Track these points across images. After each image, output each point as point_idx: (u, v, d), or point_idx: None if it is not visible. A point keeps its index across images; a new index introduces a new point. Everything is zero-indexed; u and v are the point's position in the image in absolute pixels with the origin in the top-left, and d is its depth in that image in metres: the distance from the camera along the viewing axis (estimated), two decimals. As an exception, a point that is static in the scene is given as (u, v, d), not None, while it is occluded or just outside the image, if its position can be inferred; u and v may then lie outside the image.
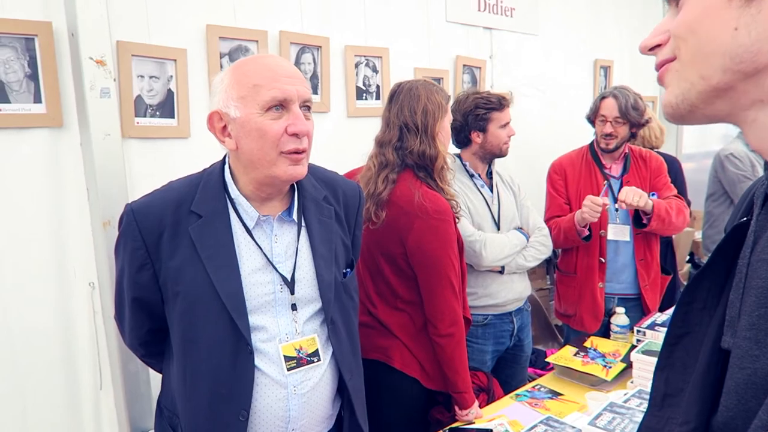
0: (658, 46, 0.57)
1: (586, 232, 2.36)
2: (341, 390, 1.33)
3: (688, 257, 4.17)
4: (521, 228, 2.23)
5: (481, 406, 1.83)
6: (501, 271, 2.13)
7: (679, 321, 0.61)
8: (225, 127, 1.18)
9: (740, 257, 0.55)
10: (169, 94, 1.93)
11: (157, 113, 1.91)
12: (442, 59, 2.89)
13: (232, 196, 1.23)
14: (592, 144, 2.53)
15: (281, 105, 1.14)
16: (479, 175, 2.23)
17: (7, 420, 1.69)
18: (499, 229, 2.17)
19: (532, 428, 1.63)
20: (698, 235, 4.10)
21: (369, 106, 2.62)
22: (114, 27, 1.76)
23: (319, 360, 1.26)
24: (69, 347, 1.78)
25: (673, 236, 2.97)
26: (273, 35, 2.22)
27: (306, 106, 1.19)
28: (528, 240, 2.19)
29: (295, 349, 1.24)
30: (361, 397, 1.38)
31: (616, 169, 2.48)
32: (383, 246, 1.77)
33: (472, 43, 3.02)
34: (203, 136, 1.99)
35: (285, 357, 1.22)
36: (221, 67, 2.09)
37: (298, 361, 1.23)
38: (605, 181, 2.42)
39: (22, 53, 1.63)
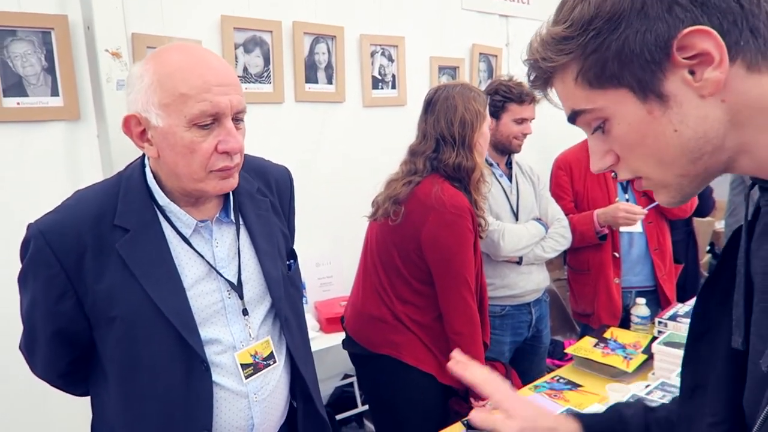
0: (613, 165, 0.61)
1: (606, 231, 2.31)
2: (294, 383, 1.26)
3: (708, 247, 4.10)
4: (540, 219, 2.20)
5: (499, 398, 1.82)
6: (519, 262, 2.10)
7: (699, 319, 0.64)
8: (144, 131, 1.04)
9: (738, 257, 0.57)
10: (185, 85, 1.92)
11: (173, 105, 1.90)
12: (458, 48, 2.85)
13: (161, 203, 1.09)
14: None
15: (212, 120, 1.00)
16: (498, 165, 2.20)
17: (30, 410, 1.71)
18: (517, 219, 2.15)
19: (551, 420, 1.61)
20: (719, 225, 4.03)
21: (385, 95, 2.60)
22: (129, 19, 1.75)
23: (274, 362, 1.19)
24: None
25: (694, 226, 2.92)
26: (287, 25, 2.21)
27: (239, 118, 1.06)
28: (547, 231, 2.16)
29: (251, 355, 1.16)
30: (315, 385, 1.31)
31: None
32: (398, 239, 1.75)
33: (488, 30, 2.98)
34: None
35: (242, 365, 1.14)
36: (236, 58, 2.08)
37: (255, 367, 1.16)
38: (613, 173, 2.36)
39: (39, 47, 1.63)
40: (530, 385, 1.92)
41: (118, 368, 1.09)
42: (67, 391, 1.23)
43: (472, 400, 1.78)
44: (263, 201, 1.24)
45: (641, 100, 0.53)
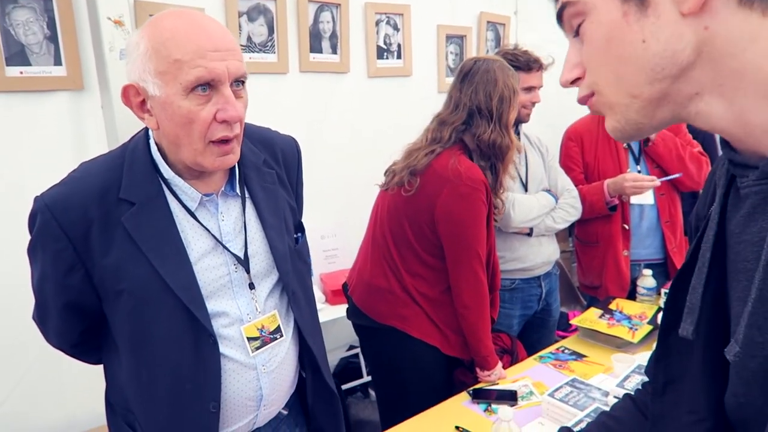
0: (578, 79, 0.57)
1: (616, 202, 2.29)
2: (303, 355, 1.27)
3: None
4: (550, 190, 2.18)
5: (504, 368, 1.83)
6: (529, 234, 2.09)
7: (671, 311, 0.62)
8: (144, 101, 1.02)
9: (704, 241, 0.55)
10: (188, 55, 1.89)
11: (177, 75, 1.88)
12: (465, 16, 2.80)
13: (166, 177, 1.08)
14: None
15: (209, 85, 0.98)
16: None
17: (45, 378, 1.74)
18: (527, 191, 2.13)
19: (557, 389, 1.63)
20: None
21: (390, 65, 2.56)
22: (131, -14, 1.72)
23: (281, 336, 1.20)
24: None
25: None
26: (291, -8, 2.16)
27: (239, 81, 1.03)
28: (557, 202, 2.14)
29: (257, 329, 1.16)
30: (324, 357, 1.32)
31: None
32: (411, 211, 1.74)
33: (495, -2, 2.92)
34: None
35: (248, 338, 1.14)
36: (239, 26, 2.05)
37: (262, 341, 1.16)
38: (624, 143, 2.33)
39: (41, 14, 1.60)
40: (535, 356, 1.94)
41: (128, 340, 1.10)
42: (80, 360, 1.25)
43: (477, 370, 1.79)
44: (269, 173, 1.22)
45: (622, 0, 0.51)
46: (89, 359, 1.25)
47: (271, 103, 2.15)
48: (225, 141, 1.02)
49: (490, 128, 1.67)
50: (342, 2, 2.33)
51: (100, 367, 1.23)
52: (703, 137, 2.66)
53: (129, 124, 1.71)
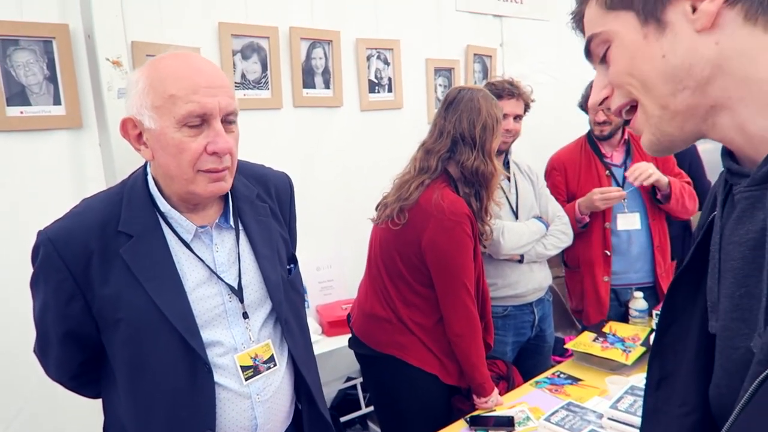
0: (606, 98, 0.64)
1: (586, 220, 2.32)
2: (298, 385, 1.29)
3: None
4: (540, 217, 2.21)
5: (501, 394, 1.84)
6: (520, 260, 2.11)
7: (667, 311, 0.66)
8: (140, 134, 1.08)
9: (711, 245, 0.59)
10: (184, 92, 1.95)
11: (173, 112, 1.93)
12: (452, 49, 2.89)
13: (162, 210, 1.13)
14: (589, 133, 2.46)
15: (201, 120, 1.03)
16: None
17: (43, 411, 1.73)
18: (517, 218, 2.16)
19: (552, 413, 1.64)
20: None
21: (381, 99, 2.63)
22: (129, 27, 1.78)
23: (275, 365, 1.22)
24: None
25: (691, 221, 2.94)
26: (283, 31, 2.24)
27: (230, 119, 1.08)
28: (547, 228, 2.17)
29: (251, 358, 1.18)
30: (319, 388, 1.34)
31: (617, 157, 2.41)
32: (400, 244, 1.77)
33: (482, 31, 3.02)
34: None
35: (242, 367, 1.16)
36: (234, 64, 2.11)
37: (255, 370, 1.18)
38: (607, 171, 2.37)
39: (41, 56, 1.66)
40: (531, 381, 1.95)
41: (125, 370, 1.12)
42: (79, 393, 1.26)
43: (474, 398, 1.80)
44: (263, 207, 1.26)
45: (642, 24, 0.57)
46: (88, 392, 1.26)
47: (267, 138, 2.20)
48: (215, 171, 1.07)
49: (473, 155, 1.71)
50: (333, 38, 2.40)
51: (98, 401, 1.23)
52: (690, 161, 2.72)
53: (126, 160, 1.76)
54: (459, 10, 2.89)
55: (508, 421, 1.66)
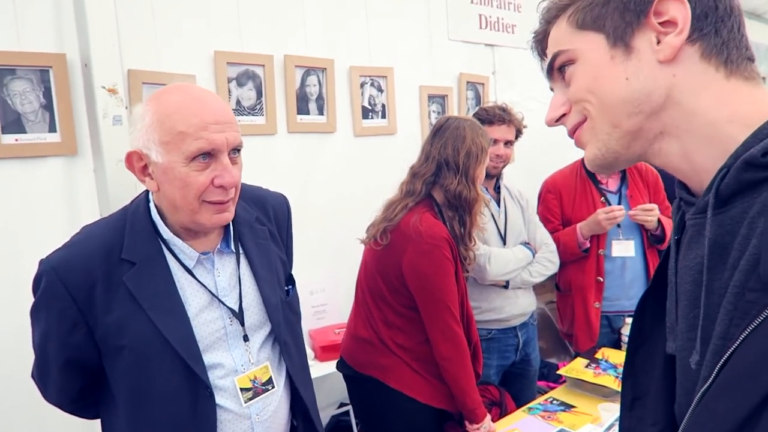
0: (563, 116, 0.66)
1: (588, 245, 2.34)
2: (294, 404, 1.31)
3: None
4: (528, 243, 2.23)
5: (493, 420, 1.83)
6: (505, 286, 2.13)
7: (636, 332, 0.68)
8: (145, 166, 1.10)
9: (669, 268, 0.62)
10: (179, 119, 1.97)
11: (168, 138, 1.95)
12: (445, 77, 2.93)
13: (165, 237, 1.15)
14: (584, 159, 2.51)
15: (208, 154, 1.06)
16: (486, 189, 2.24)
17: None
18: (505, 243, 2.17)
19: (545, 441, 1.63)
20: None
21: (375, 125, 2.66)
22: (125, 56, 1.81)
23: (273, 387, 1.24)
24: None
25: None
26: (278, 59, 2.27)
27: (236, 149, 1.12)
28: (534, 256, 2.19)
29: (250, 380, 1.20)
30: (314, 406, 1.36)
31: (612, 184, 2.43)
32: (381, 265, 1.79)
33: (474, 60, 3.07)
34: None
35: (241, 389, 1.18)
36: (229, 91, 2.14)
37: (254, 392, 1.20)
38: (602, 197, 2.40)
39: (38, 84, 1.68)
40: (524, 408, 1.94)
41: (126, 395, 1.14)
42: (78, 416, 1.28)
43: (466, 423, 1.79)
44: (262, 230, 1.29)
45: (610, 46, 0.60)
46: (87, 415, 1.27)
47: (261, 163, 2.22)
48: (220, 203, 1.10)
49: (456, 180, 1.75)
50: (327, 66, 2.44)
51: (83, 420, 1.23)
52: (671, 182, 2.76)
53: (119, 187, 1.77)
54: (452, 39, 2.95)
55: (501, 449, 1.65)
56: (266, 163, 2.26)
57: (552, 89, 0.70)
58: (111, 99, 1.75)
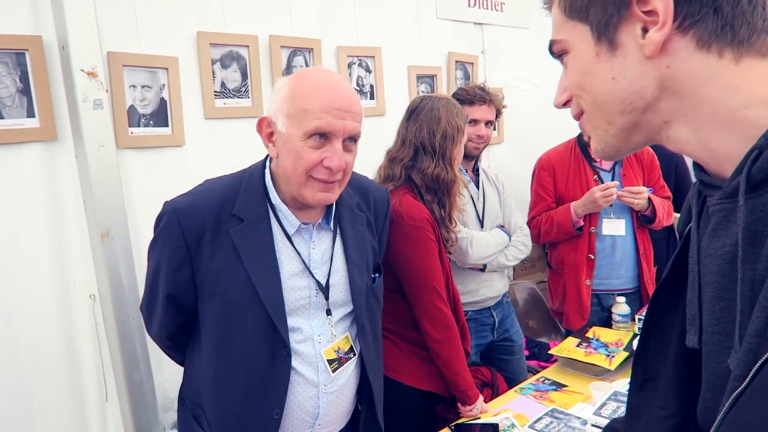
0: (569, 100, 0.64)
1: (581, 223, 2.34)
2: (361, 388, 1.38)
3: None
4: (503, 227, 2.23)
5: (486, 401, 1.83)
6: (482, 269, 2.14)
7: (650, 318, 0.67)
8: (272, 133, 1.22)
9: (689, 257, 0.59)
10: (162, 102, 1.93)
11: (151, 122, 1.91)
12: (434, 56, 2.89)
13: (273, 202, 1.25)
14: (579, 136, 2.47)
15: (324, 135, 1.16)
16: (465, 171, 2.23)
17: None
18: (482, 226, 2.18)
19: (537, 420, 1.63)
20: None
21: (364, 106, 2.58)
22: (104, 38, 1.75)
23: (354, 354, 1.33)
24: (72, 360, 1.78)
25: (674, 223, 2.97)
26: (263, 39, 2.22)
27: (353, 138, 1.21)
28: (510, 239, 2.19)
29: (335, 351, 1.29)
30: (380, 396, 1.43)
31: (606, 163, 2.41)
32: None
33: (463, 39, 3.02)
34: (198, 143, 2.00)
35: (328, 361, 1.27)
36: (213, 73, 2.09)
37: (339, 362, 1.29)
38: (595, 175, 2.39)
39: (14, 68, 1.63)
40: (516, 388, 1.95)
41: (213, 340, 1.24)
42: (170, 355, 1.43)
43: (459, 405, 1.79)
44: (360, 215, 1.38)
45: (595, 41, 0.57)
46: (177, 355, 1.42)
47: (248, 146, 2.17)
48: (325, 182, 1.19)
49: (433, 164, 1.73)
50: (314, 46, 2.39)
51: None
52: (676, 164, 2.76)
53: (101, 172, 1.74)
54: (440, 18, 2.90)
55: (493, 429, 1.65)
56: (252, 146, 2.21)
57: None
58: (91, 82, 1.70)
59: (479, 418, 1.75)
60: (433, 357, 1.75)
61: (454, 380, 1.75)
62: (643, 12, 0.53)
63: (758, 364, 0.44)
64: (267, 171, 1.28)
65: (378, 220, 1.45)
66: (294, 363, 1.24)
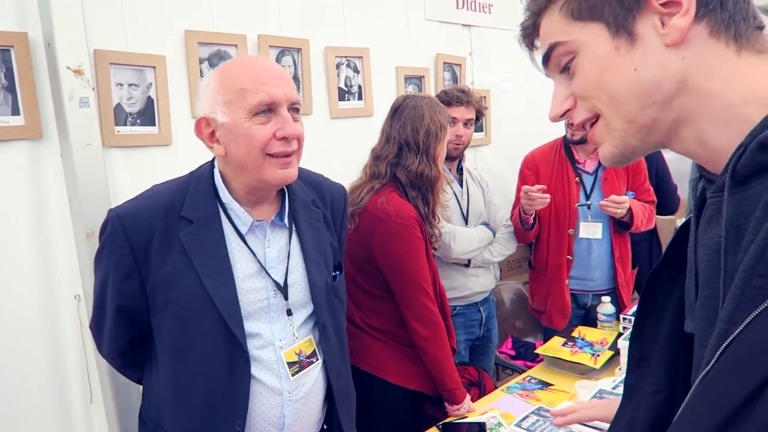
0: (568, 110, 0.64)
1: (530, 221, 2.35)
2: (329, 392, 1.33)
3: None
4: (488, 224, 2.27)
5: (473, 400, 1.85)
6: (467, 265, 2.17)
7: (645, 301, 0.69)
8: (213, 132, 1.16)
9: (689, 246, 0.61)
10: (149, 101, 1.92)
11: (138, 121, 1.89)
12: (422, 57, 2.90)
13: (224, 201, 1.21)
14: (565, 136, 2.50)
15: (269, 108, 1.12)
16: (449, 170, 2.27)
17: None
18: (467, 223, 2.23)
19: (523, 419, 1.65)
20: (680, 223, 4.15)
21: (352, 106, 2.62)
22: (91, 35, 1.74)
23: (317, 359, 1.27)
24: (57, 361, 1.76)
25: (657, 224, 3.01)
26: (252, 39, 2.21)
27: (294, 108, 1.17)
28: (494, 236, 2.23)
29: (296, 354, 1.23)
30: (346, 399, 1.37)
31: (590, 165, 2.43)
32: (350, 248, 1.78)
33: (451, 40, 3.04)
34: (185, 142, 1.99)
35: (288, 363, 1.22)
36: (201, 73, 2.08)
37: (300, 365, 1.23)
38: (577, 177, 2.41)
39: (-2, 65, 1.61)
40: (503, 386, 1.96)
41: (169, 352, 1.19)
42: (125, 374, 1.37)
43: (446, 405, 1.80)
44: (316, 212, 1.34)
45: (612, 35, 0.57)
46: (132, 375, 1.36)
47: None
48: (284, 155, 1.14)
49: (417, 160, 1.75)
50: (302, 46, 2.39)
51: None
52: (656, 167, 2.79)
53: (87, 171, 1.72)
54: (428, 19, 2.91)
55: (480, 428, 1.67)
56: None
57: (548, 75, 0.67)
58: (77, 80, 1.69)
59: (466, 417, 1.76)
60: (420, 355, 1.76)
61: (442, 379, 1.76)
62: (661, 4, 0.55)
63: (722, 347, 0.47)
64: (216, 170, 1.23)
65: (336, 217, 1.41)
66: (254, 370, 1.18)
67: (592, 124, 0.63)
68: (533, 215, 2.33)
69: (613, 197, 2.27)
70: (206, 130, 1.17)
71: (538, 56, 0.66)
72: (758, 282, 0.46)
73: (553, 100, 0.65)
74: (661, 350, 0.66)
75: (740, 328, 0.46)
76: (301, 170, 1.30)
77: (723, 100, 0.54)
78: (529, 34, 0.66)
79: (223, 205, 1.20)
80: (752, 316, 0.46)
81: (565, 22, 0.61)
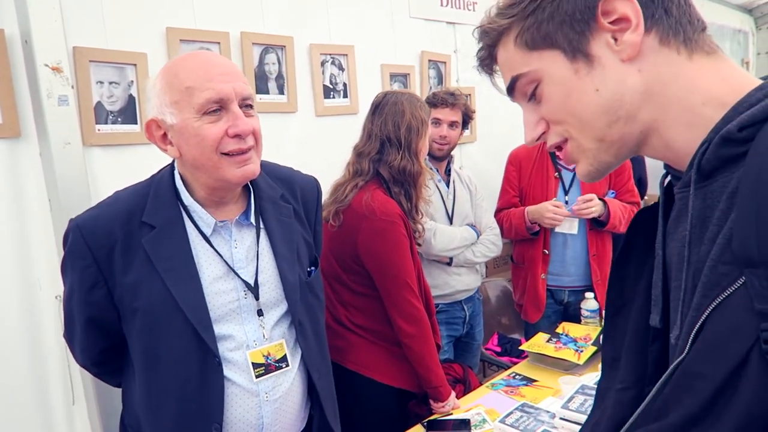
0: (543, 133, 0.65)
1: (536, 228, 2.40)
2: (311, 391, 1.31)
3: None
4: (474, 225, 2.28)
5: (458, 397, 1.85)
6: (449, 263, 2.18)
7: (615, 295, 0.70)
8: (165, 134, 1.13)
9: (657, 242, 0.62)
10: (131, 99, 1.89)
11: (119, 119, 1.87)
12: (407, 55, 2.90)
13: (186, 203, 1.18)
14: None
15: (219, 106, 1.08)
16: (437, 170, 2.28)
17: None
18: (451, 223, 2.24)
19: (507, 415, 1.66)
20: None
21: (337, 104, 2.61)
22: (69, 32, 1.71)
23: (287, 366, 1.23)
24: (38, 363, 1.74)
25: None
26: (235, 36, 2.19)
27: (247, 104, 1.13)
28: (478, 237, 2.25)
29: (263, 356, 1.20)
30: (329, 397, 1.36)
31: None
32: (334, 246, 1.79)
33: (436, 38, 3.04)
34: (168, 140, 1.97)
35: (253, 364, 1.19)
36: (183, 70, 2.06)
37: (266, 368, 1.20)
38: (556, 173, 2.44)
39: (-26, 63, 1.58)
40: (488, 383, 1.97)
41: (141, 359, 1.17)
42: (103, 380, 1.35)
43: (431, 402, 1.81)
44: (286, 207, 1.30)
45: (570, 60, 0.59)
46: (111, 381, 1.34)
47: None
48: (239, 152, 1.10)
49: (399, 155, 1.75)
50: (287, 43, 2.37)
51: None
52: (640, 175, 2.85)
53: (67, 170, 1.70)
54: (413, 17, 2.91)
55: (465, 425, 1.67)
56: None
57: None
58: (55, 78, 1.66)
59: (451, 414, 1.77)
60: (405, 352, 1.76)
61: (427, 376, 1.76)
62: (610, 23, 0.56)
63: (693, 334, 0.49)
64: (176, 173, 1.20)
65: (309, 210, 1.38)
66: (227, 373, 1.16)
67: (562, 146, 0.65)
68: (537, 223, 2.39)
69: (581, 197, 2.30)
70: (157, 132, 1.13)
71: (499, 78, 0.68)
72: (723, 269, 0.48)
73: (526, 125, 0.66)
74: (628, 346, 0.66)
75: (705, 314, 0.48)
76: (268, 165, 1.27)
77: (683, 104, 0.56)
78: (487, 64, 0.67)
79: (185, 207, 1.17)
80: (717, 302, 0.47)
81: (521, 54, 0.62)
